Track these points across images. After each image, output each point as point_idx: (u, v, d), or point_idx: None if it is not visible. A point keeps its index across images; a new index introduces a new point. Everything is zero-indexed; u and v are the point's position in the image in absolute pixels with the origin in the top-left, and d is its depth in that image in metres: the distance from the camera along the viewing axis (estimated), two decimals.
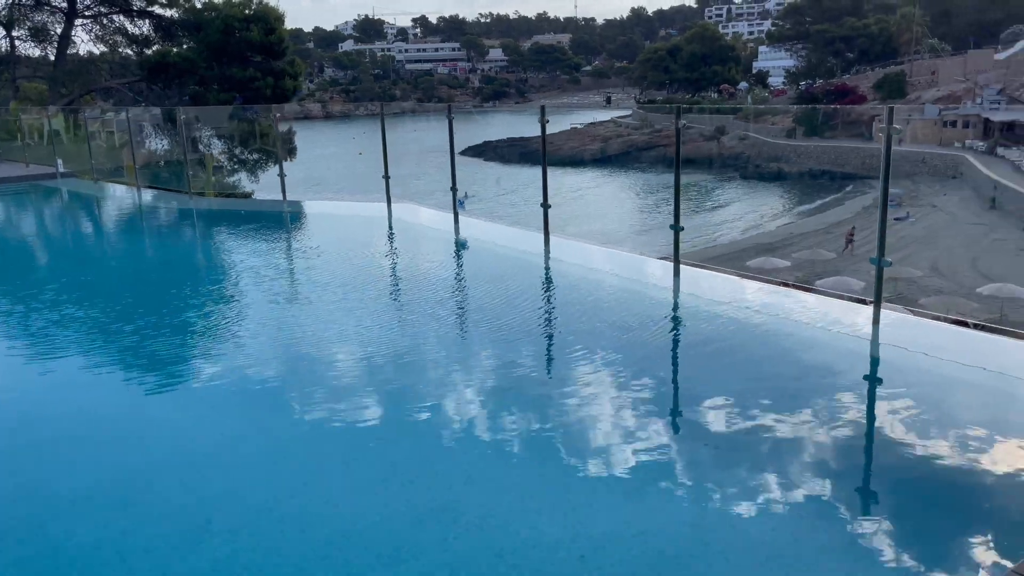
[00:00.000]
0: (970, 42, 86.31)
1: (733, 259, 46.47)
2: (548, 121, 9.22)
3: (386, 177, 12.52)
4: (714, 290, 7.71)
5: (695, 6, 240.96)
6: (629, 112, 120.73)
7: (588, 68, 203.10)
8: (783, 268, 40.77)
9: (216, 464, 5.19)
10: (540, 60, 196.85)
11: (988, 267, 39.82)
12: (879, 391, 5.74)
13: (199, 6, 38.58)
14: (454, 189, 11.01)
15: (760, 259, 42.04)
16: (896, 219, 52.42)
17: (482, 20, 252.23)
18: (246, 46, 36.03)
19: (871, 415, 5.39)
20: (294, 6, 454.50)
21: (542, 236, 9.55)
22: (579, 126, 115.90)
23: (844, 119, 76.31)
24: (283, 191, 13.88)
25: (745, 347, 6.55)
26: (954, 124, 69.84)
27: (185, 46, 38.78)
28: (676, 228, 7.72)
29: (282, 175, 14.11)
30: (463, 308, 8.26)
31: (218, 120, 24.36)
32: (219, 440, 5.52)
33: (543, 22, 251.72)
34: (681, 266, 7.86)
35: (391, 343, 7.19)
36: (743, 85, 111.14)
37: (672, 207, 7.93)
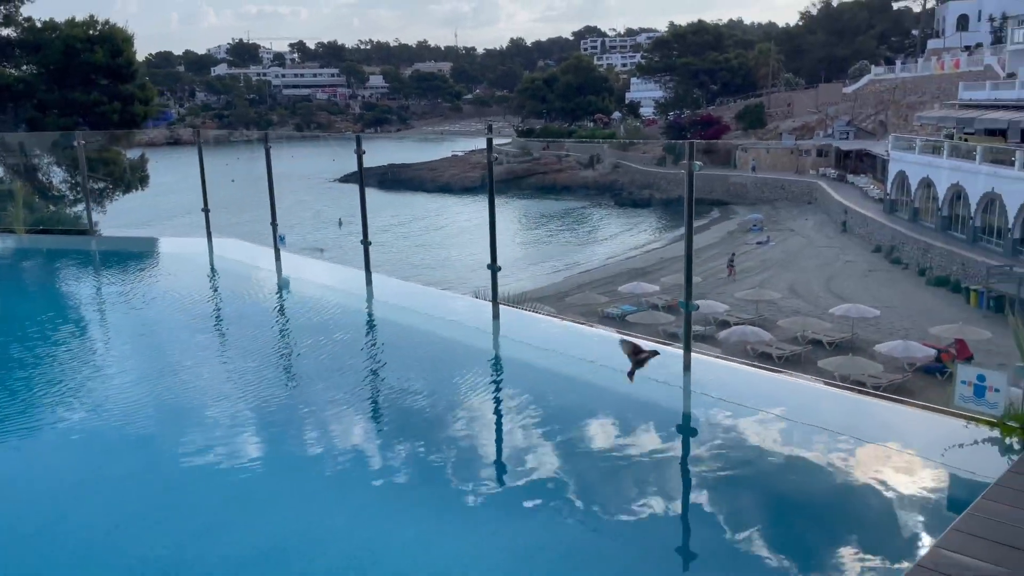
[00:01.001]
0: (821, 76, 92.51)
1: (606, 283, 47.26)
2: (364, 152, 8.60)
3: (205, 210, 11.53)
4: (534, 335, 7.25)
5: (571, 38, 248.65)
6: (509, 140, 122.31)
7: (469, 96, 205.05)
8: (652, 292, 41.75)
9: None
10: (421, 87, 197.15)
11: (840, 288, 42.05)
12: (685, 439, 5.40)
13: (39, 26, 35.96)
14: (274, 224, 10.20)
15: (632, 284, 42.85)
16: (758, 243, 54.95)
17: (362, 47, 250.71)
18: (90, 68, 33.77)
19: (670, 462, 5.05)
20: (163, 28, 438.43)
21: (364, 275, 8.86)
22: (460, 153, 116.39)
23: (707, 148, 79.82)
24: (90, 225, 12.56)
25: (552, 394, 6.11)
26: (809, 152, 74.31)
27: (24, 68, 36.04)
28: (493, 268, 7.21)
29: (88, 208, 12.81)
30: (262, 353, 7.48)
31: (47, 147, 22.38)
32: None
33: (424, 50, 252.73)
34: (501, 308, 7.36)
35: (173, 398, 6.31)
36: (617, 115, 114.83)
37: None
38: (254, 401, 6.28)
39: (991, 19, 73.97)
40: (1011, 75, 51.03)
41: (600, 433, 5.46)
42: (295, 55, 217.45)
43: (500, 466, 5.13)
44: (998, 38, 68.13)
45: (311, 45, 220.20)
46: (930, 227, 45.77)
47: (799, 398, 5.50)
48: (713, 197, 74.14)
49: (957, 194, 43.82)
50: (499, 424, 5.84)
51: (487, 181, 7.75)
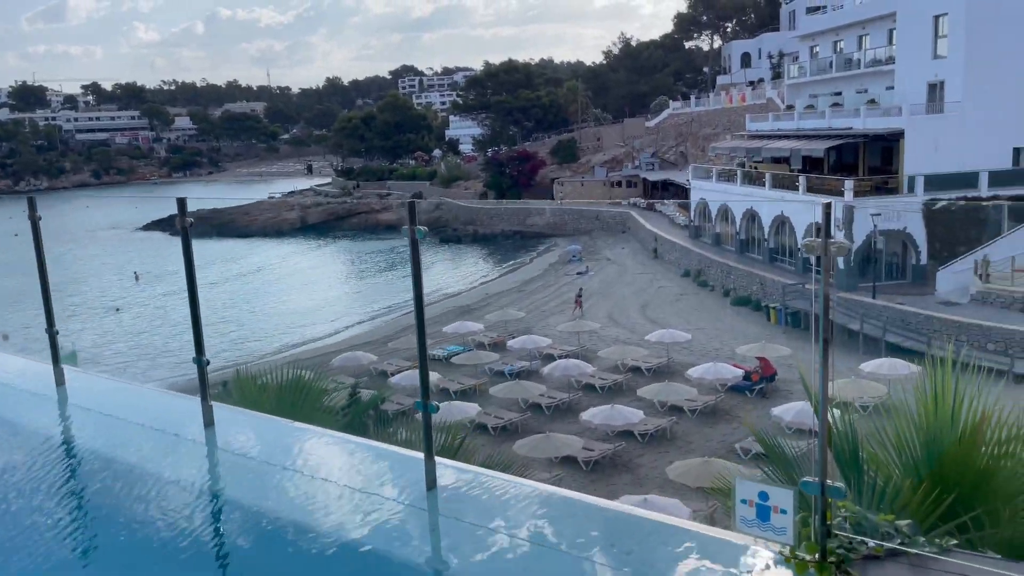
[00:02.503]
0: (626, 111, 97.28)
1: (431, 324, 45.92)
2: (40, 217, 6.76)
3: None
4: (258, 441, 5.78)
5: (389, 77, 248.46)
6: (330, 180, 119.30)
7: (286, 136, 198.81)
8: (478, 331, 40.99)
9: None
10: (233, 128, 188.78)
11: (655, 313, 43.27)
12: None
13: None
14: None
15: (456, 324, 41.84)
16: (578, 274, 55.95)
17: (165, 88, 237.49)
18: None
19: None
20: None
21: (52, 370, 6.98)
22: (277, 196, 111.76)
23: (525, 182, 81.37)
24: None
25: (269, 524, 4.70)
26: (619, 184, 77.41)
27: None
28: (200, 362, 5.67)
29: None
30: None
31: None
32: None
33: (234, 90, 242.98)
34: (215, 408, 5.82)
35: None
36: (437, 152, 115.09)
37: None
38: None
39: (770, 56, 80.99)
40: (790, 107, 55.52)
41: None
42: (89, 97, 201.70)
43: None
44: (776, 73, 74.51)
45: (107, 87, 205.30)
46: (731, 250, 48.41)
47: (562, 517, 4.41)
48: (534, 230, 75.32)
49: (752, 218, 46.66)
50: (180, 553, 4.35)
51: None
